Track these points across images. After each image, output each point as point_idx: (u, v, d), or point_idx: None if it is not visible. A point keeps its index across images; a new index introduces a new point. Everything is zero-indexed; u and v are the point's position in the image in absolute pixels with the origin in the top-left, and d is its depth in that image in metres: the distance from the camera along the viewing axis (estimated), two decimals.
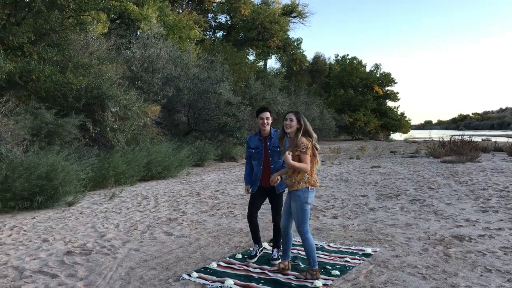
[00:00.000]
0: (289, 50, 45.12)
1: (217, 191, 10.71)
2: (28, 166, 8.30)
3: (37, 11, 13.22)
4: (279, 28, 40.63)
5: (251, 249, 5.27)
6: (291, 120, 4.36)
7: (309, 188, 4.28)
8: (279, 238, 4.94)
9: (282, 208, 4.74)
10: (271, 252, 5.17)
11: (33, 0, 12.99)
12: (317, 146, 4.41)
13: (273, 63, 54.93)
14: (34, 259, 5.09)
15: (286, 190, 4.60)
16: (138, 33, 25.37)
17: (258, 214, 5.27)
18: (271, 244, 5.33)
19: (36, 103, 12.53)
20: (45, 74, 12.81)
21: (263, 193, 5.00)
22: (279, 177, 4.60)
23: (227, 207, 8.45)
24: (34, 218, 7.56)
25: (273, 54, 46.94)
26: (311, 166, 4.31)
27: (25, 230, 6.62)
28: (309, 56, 57.79)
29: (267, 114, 4.90)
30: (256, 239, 5.11)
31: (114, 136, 13.92)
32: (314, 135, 4.39)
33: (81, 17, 14.78)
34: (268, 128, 4.91)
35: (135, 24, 25.32)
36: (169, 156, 14.45)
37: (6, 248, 5.62)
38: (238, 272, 4.54)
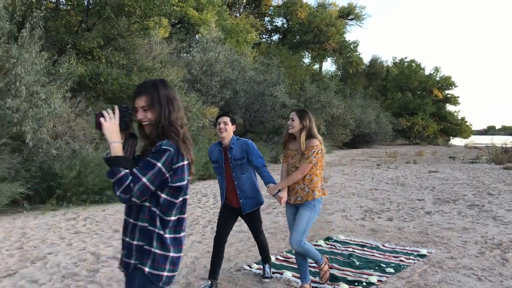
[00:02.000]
0: (345, 52, 44.78)
1: None
2: (98, 162, 8.93)
3: (106, 18, 14.11)
4: (336, 30, 40.46)
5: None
6: (293, 119, 3.94)
7: (321, 197, 3.96)
8: (267, 253, 4.43)
9: (289, 225, 4.08)
10: (261, 272, 4.55)
11: (103, 8, 13.85)
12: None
13: (328, 65, 54.52)
14: (108, 246, 5.57)
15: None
16: (197, 37, 26.20)
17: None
18: (260, 263, 4.76)
19: (104, 104, 13.35)
20: (112, 76, 13.65)
21: (231, 213, 4.25)
22: (285, 195, 3.91)
23: (283, 207, 8.67)
24: (104, 210, 8.15)
25: (329, 57, 46.77)
26: (318, 174, 3.91)
27: (97, 221, 7.18)
28: (366, 59, 57.08)
29: (226, 119, 4.08)
30: (213, 271, 4.08)
31: None
32: (319, 138, 3.94)
33: (145, 22, 15.60)
34: (226, 135, 4.07)
35: (195, 28, 26.19)
36: None
37: (82, 236, 6.16)
38: (295, 266, 4.76)
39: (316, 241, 5.87)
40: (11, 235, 6.17)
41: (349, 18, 45.15)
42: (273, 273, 4.51)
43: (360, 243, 5.79)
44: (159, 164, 1.92)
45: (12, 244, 5.67)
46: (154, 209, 1.98)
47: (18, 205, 8.06)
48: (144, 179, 1.90)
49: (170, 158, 1.95)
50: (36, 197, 8.39)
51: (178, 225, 2.06)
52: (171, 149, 1.95)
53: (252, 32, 30.69)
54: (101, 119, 2.00)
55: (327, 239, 6.02)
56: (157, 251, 1.97)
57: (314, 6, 42.70)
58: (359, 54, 46.29)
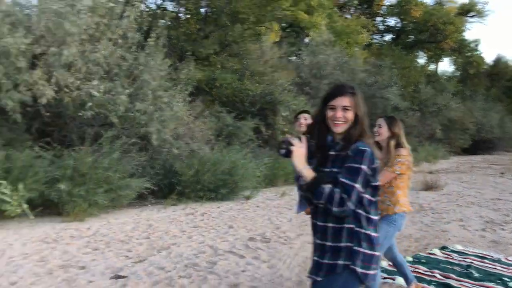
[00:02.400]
0: (464, 52, 41.86)
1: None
2: (214, 162, 9.49)
3: (222, 25, 14.87)
4: (454, 29, 38.01)
5: (408, 257, 4.71)
6: (380, 126, 3.75)
7: (405, 213, 3.67)
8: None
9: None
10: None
11: (220, 16, 14.62)
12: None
13: (445, 66, 51.36)
14: (224, 241, 5.93)
15: None
16: (307, 40, 26.38)
17: None
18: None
19: (218, 107, 14.08)
20: (227, 81, 14.36)
21: None
22: None
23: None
24: (219, 207, 8.64)
25: (446, 57, 44.05)
26: (402, 186, 3.64)
27: (213, 217, 7.65)
28: (488, 58, 52.78)
29: (306, 115, 3.88)
30: None
31: None
32: (408, 147, 3.71)
33: (258, 28, 16.15)
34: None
35: (304, 31, 26.41)
36: None
37: (200, 230, 6.62)
38: None
39: (431, 250, 5.65)
40: (139, 226, 6.84)
41: (469, 15, 42.12)
42: (384, 278, 4.46)
43: (480, 255, 5.46)
44: (363, 167, 2.04)
45: (141, 234, 6.29)
46: (359, 210, 2.09)
47: (144, 199, 8.87)
48: (356, 185, 2.01)
49: (370, 158, 2.06)
50: (159, 192, 9.16)
51: (377, 223, 2.19)
52: (368, 149, 2.07)
53: (363, 33, 30.09)
54: (292, 147, 2.15)
55: (443, 248, 5.76)
56: (366, 251, 2.08)
57: (430, 4, 40.54)
58: (481, 53, 42.96)
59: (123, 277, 4.40)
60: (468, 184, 13.34)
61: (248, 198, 9.67)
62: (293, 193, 10.87)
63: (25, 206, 6.59)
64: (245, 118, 14.04)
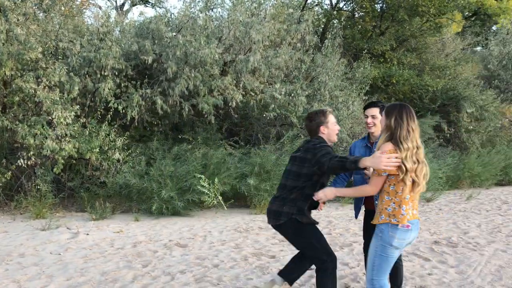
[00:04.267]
0: None
1: None
2: None
3: (399, 20, 14.38)
4: None
5: None
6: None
7: (400, 225, 2.77)
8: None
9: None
10: None
11: (397, 11, 14.17)
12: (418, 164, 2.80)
13: None
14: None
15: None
16: (495, 28, 23.81)
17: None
18: None
19: None
20: (404, 77, 13.83)
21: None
22: (323, 195, 3.10)
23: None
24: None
25: None
26: (392, 192, 2.81)
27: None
28: None
29: (374, 111, 3.57)
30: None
31: (469, 137, 13.74)
32: (408, 145, 2.76)
33: (438, 20, 15.17)
34: (375, 130, 3.58)
35: (492, 19, 23.85)
36: None
37: None
38: None
39: None
40: (320, 222, 7.05)
41: None
42: None
43: None
44: None
45: (322, 230, 6.50)
46: None
47: None
48: None
49: None
50: None
51: None
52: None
53: None
54: None
55: None
56: None
57: None
58: None
59: (311, 268, 4.64)
60: None
61: (429, 200, 9.21)
62: (480, 196, 10.00)
63: (220, 198, 7.39)
64: (425, 116, 13.34)
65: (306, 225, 3.28)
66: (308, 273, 4.13)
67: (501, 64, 18.43)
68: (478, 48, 23.52)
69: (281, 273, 3.60)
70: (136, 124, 8.79)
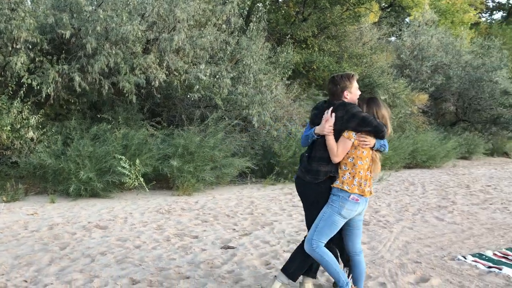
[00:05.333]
0: None
1: (489, 186, 10.17)
2: None
3: (321, 7, 14.80)
4: None
5: None
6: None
7: (350, 197, 3.10)
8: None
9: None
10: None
11: None
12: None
13: None
14: None
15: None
16: (408, 20, 25.29)
17: None
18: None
19: (315, 90, 14.15)
20: (324, 64, 14.32)
21: None
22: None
23: (501, 203, 8.04)
24: None
25: None
26: (355, 167, 3.12)
27: None
28: None
29: None
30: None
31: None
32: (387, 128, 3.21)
33: (357, 9, 15.83)
34: None
35: (406, 11, 25.28)
36: (434, 146, 14.29)
37: (299, 209, 6.84)
38: None
39: None
40: (242, 202, 7.24)
41: None
42: (490, 267, 4.35)
43: None
44: None
45: (244, 210, 6.67)
46: None
47: (243, 177, 9.30)
48: None
49: None
50: (258, 171, 9.54)
51: None
52: None
53: (470, 12, 28.12)
54: None
55: None
56: None
57: None
58: None
59: (232, 247, 4.76)
60: None
61: None
62: (390, 178, 10.71)
63: (141, 179, 7.26)
64: None
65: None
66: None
67: (412, 54, 19.66)
68: (393, 38, 24.86)
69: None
70: (52, 101, 8.33)
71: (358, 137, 3.12)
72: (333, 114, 3.19)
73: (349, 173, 3.12)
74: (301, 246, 3.39)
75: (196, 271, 4.01)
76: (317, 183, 3.23)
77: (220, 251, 4.64)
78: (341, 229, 3.31)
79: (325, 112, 3.24)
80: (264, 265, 4.26)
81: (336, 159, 3.16)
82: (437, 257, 4.66)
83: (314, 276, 3.60)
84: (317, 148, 3.26)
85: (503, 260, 4.66)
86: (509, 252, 4.94)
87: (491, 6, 40.15)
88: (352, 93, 3.32)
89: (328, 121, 3.18)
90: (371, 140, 3.13)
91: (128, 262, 4.19)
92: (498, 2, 40.30)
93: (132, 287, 3.65)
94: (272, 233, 5.43)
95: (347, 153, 3.15)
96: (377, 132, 3.14)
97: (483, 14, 38.96)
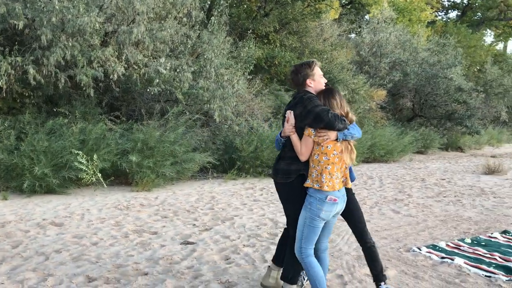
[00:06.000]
0: None
1: (443, 179, 10.53)
2: (273, 139, 9.70)
3: (282, 3, 14.86)
4: None
5: (467, 239, 4.97)
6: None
7: (328, 198, 3.07)
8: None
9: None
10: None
11: None
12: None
13: None
14: (283, 215, 6.13)
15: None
16: (367, 17, 25.78)
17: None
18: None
19: (277, 86, 14.21)
20: (286, 59, 14.40)
21: None
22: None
23: (454, 196, 8.35)
24: None
25: None
26: (321, 164, 3.10)
27: (272, 192, 7.90)
28: None
29: None
30: None
31: None
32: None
33: (318, 5, 16.00)
34: None
35: (366, 8, 25.77)
36: (392, 140, 14.68)
37: (260, 204, 6.89)
38: (467, 254, 4.68)
39: (492, 233, 5.60)
40: (202, 197, 7.21)
41: None
42: (443, 258, 4.52)
43: None
44: None
45: (205, 205, 6.65)
46: None
47: (205, 172, 9.27)
48: None
49: None
50: (220, 166, 9.52)
51: None
52: None
53: (426, 10, 28.95)
54: None
55: (504, 232, 5.69)
56: None
57: None
58: None
59: (192, 243, 4.73)
60: None
61: None
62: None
63: (99, 175, 7.10)
64: None
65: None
66: None
67: (371, 51, 20.06)
68: (353, 35, 25.29)
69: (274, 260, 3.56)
70: (4, 95, 8.00)
71: (317, 133, 3.10)
72: (292, 113, 3.18)
73: (316, 170, 3.11)
74: (289, 250, 3.34)
75: (154, 267, 3.96)
76: (290, 182, 3.22)
77: (180, 247, 4.61)
78: None
79: (287, 113, 3.23)
80: (223, 260, 4.27)
81: (302, 158, 3.16)
82: (393, 248, 4.80)
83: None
84: (287, 148, 3.27)
85: (456, 250, 4.84)
86: (461, 243, 5.13)
87: (446, 5, 41.51)
88: (316, 81, 3.26)
89: (289, 121, 3.18)
90: (331, 134, 3.08)
91: (84, 260, 4.10)
92: (453, 1, 41.69)
93: (88, 284, 3.57)
94: (233, 228, 5.44)
95: (312, 150, 3.14)
96: (331, 127, 3.05)
97: (439, 13, 40.23)
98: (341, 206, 3.18)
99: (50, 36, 7.73)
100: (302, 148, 3.14)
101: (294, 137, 3.16)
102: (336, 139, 3.11)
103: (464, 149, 20.40)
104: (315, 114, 3.05)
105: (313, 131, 3.12)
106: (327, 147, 3.10)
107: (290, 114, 3.18)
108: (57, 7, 7.63)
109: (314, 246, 3.22)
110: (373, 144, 13.92)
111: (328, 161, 3.09)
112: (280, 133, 3.29)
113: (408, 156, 15.60)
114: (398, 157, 14.88)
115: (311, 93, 3.24)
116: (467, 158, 16.91)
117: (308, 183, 3.13)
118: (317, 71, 3.29)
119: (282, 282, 3.39)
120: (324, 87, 3.32)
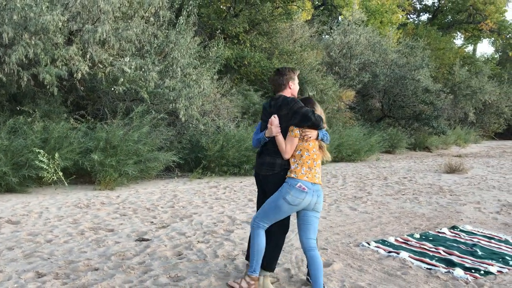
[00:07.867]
0: (504, 33, 40.44)
1: (405, 178, 10.83)
2: (239, 138, 9.83)
3: (252, 4, 15.00)
4: (495, 9, 36.70)
5: (416, 234, 5.26)
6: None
7: (297, 185, 3.32)
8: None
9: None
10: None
11: None
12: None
13: (485, 48, 49.73)
14: (243, 212, 6.28)
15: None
16: (339, 19, 26.15)
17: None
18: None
19: (246, 86, 14.34)
20: (255, 60, 14.54)
21: None
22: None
23: (413, 193, 8.62)
24: (241, 182, 9.01)
25: (485, 38, 42.67)
26: (303, 158, 3.40)
27: (235, 191, 8.02)
28: None
29: None
30: None
31: None
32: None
33: (289, 7, 16.19)
34: None
35: (337, 10, 26.16)
36: (359, 140, 14.97)
37: (221, 202, 7.00)
38: (413, 248, 4.89)
39: (440, 229, 5.84)
40: (165, 196, 7.28)
41: None
42: (390, 252, 4.72)
43: (488, 235, 5.62)
44: None
45: (166, 203, 6.72)
46: None
47: (171, 172, 9.32)
48: None
49: None
50: (185, 166, 9.60)
51: None
52: None
53: (398, 13, 29.53)
54: None
55: (453, 227, 5.95)
56: None
57: None
58: None
59: (147, 240, 4.81)
60: (494, 169, 13.26)
61: None
62: None
63: (60, 173, 7.10)
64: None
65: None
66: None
67: (341, 52, 20.38)
68: (327, 37, 25.62)
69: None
70: None
71: (302, 131, 3.42)
72: (276, 116, 3.45)
73: (297, 164, 3.41)
74: (268, 242, 3.53)
75: (106, 263, 4.03)
76: (274, 174, 3.49)
77: (134, 243, 4.69)
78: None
79: (272, 117, 3.47)
80: (176, 255, 4.36)
81: (286, 156, 3.45)
82: (344, 243, 4.97)
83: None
84: (270, 144, 3.53)
85: (403, 245, 5.05)
86: (410, 238, 5.35)
87: (418, 8, 42.38)
88: (295, 85, 3.62)
89: (273, 123, 3.43)
90: (313, 133, 3.43)
91: (36, 256, 4.14)
92: (425, 4, 42.61)
93: (37, 280, 3.62)
94: (190, 225, 5.54)
95: (296, 146, 3.45)
96: (316, 126, 3.41)
97: (411, 16, 41.07)
98: (310, 199, 3.37)
99: (12, 34, 7.67)
100: (287, 147, 3.44)
101: (279, 137, 3.45)
102: (317, 138, 3.46)
103: (431, 149, 20.92)
104: (302, 114, 3.37)
105: (298, 131, 3.43)
106: (309, 144, 3.44)
107: (274, 118, 3.45)
108: (19, 5, 7.58)
109: (268, 225, 3.47)
110: (340, 143, 14.18)
111: (309, 156, 3.43)
112: (261, 135, 3.57)
113: (375, 156, 15.93)
114: (366, 157, 15.19)
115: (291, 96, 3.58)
116: (433, 157, 17.35)
117: (288, 174, 3.43)
118: (296, 79, 3.65)
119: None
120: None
